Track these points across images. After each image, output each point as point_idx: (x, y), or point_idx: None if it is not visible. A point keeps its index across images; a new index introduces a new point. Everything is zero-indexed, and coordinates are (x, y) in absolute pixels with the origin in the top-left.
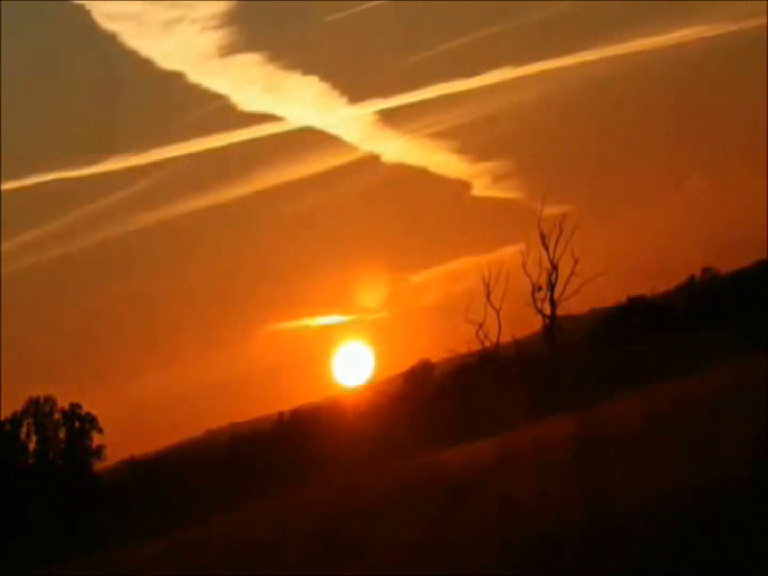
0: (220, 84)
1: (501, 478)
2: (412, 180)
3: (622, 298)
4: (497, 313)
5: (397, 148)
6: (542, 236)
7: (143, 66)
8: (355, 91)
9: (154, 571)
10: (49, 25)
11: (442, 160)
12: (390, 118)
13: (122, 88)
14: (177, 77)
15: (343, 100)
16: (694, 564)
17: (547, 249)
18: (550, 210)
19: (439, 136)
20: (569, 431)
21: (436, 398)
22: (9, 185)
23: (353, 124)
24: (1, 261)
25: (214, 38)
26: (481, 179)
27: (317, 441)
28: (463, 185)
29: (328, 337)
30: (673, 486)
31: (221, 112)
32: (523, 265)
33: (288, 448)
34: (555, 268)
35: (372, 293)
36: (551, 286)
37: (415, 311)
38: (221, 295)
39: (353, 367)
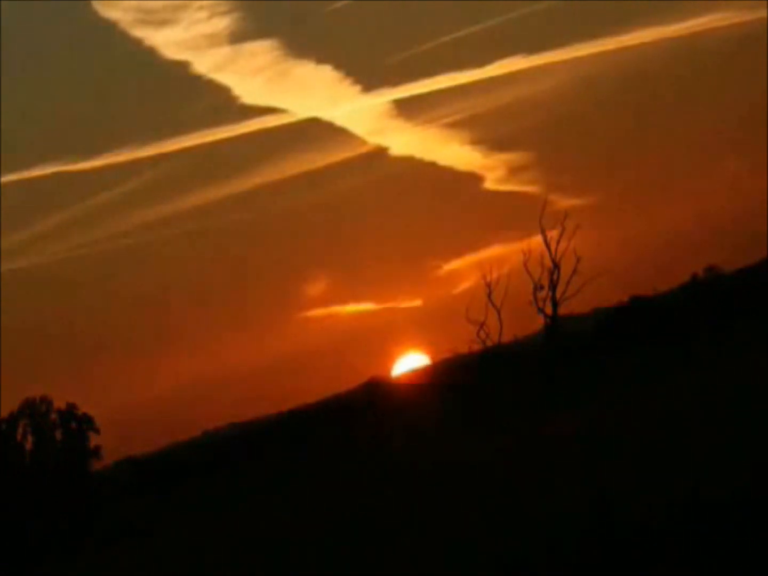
0: (228, 74)
1: None
2: (421, 173)
3: (624, 298)
4: (498, 312)
5: (409, 140)
6: (544, 235)
7: (147, 56)
8: (369, 80)
9: (152, 572)
10: (49, 15)
11: (456, 152)
12: (404, 107)
13: (125, 80)
14: (182, 67)
15: (357, 89)
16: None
17: (548, 248)
18: (553, 207)
19: (454, 126)
20: (571, 431)
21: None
22: (8, 178)
23: (365, 114)
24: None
25: (224, 24)
26: (496, 171)
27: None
28: (476, 178)
29: (360, 324)
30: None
31: (228, 104)
32: (525, 264)
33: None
34: (557, 267)
35: (404, 282)
36: (553, 285)
37: (449, 300)
38: (232, 288)
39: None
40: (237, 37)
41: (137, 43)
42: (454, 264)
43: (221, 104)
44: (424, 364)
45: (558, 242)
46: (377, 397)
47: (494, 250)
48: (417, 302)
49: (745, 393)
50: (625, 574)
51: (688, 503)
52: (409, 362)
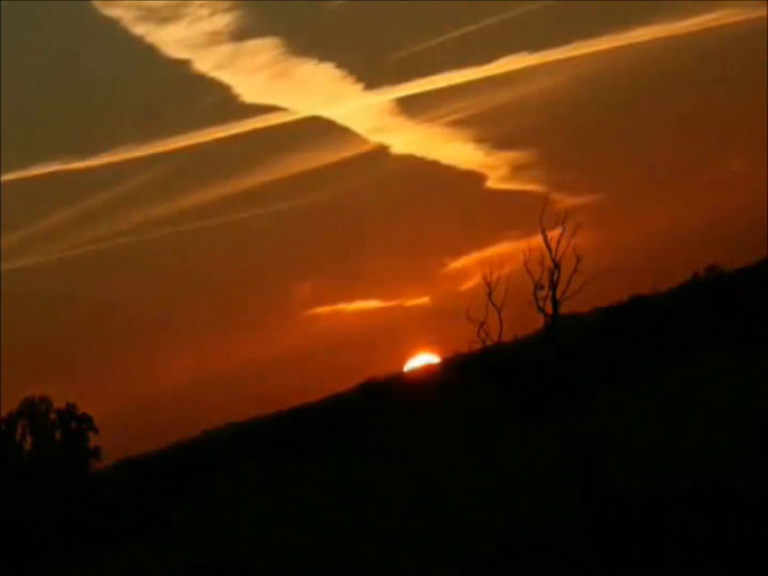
0: (229, 72)
1: None
2: (423, 172)
3: (624, 298)
4: (498, 312)
5: (411, 138)
6: (544, 234)
7: (148, 54)
8: (371, 78)
9: (152, 572)
10: (49, 14)
11: (458, 151)
12: (406, 106)
13: (125, 78)
14: (183, 65)
15: (359, 87)
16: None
17: (549, 247)
18: (556, 206)
19: (456, 124)
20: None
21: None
22: (8, 177)
23: (367, 113)
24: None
25: (225, 22)
26: (499, 170)
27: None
28: (478, 177)
29: (365, 322)
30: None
31: (229, 102)
32: (525, 264)
33: None
34: (557, 266)
35: (410, 280)
36: (553, 285)
37: (456, 297)
38: (234, 287)
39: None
40: (238, 35)
41: (138, 41)
42: (460, 262)
43: (222, 102)
44: (430, 362)
45: (558, 242)
46: (376, 396)
47: (499, 248)
48: (423, 300)
49: (745, 393)
50: (625, 574)
51: (687, 503)
52: (416, 360)
